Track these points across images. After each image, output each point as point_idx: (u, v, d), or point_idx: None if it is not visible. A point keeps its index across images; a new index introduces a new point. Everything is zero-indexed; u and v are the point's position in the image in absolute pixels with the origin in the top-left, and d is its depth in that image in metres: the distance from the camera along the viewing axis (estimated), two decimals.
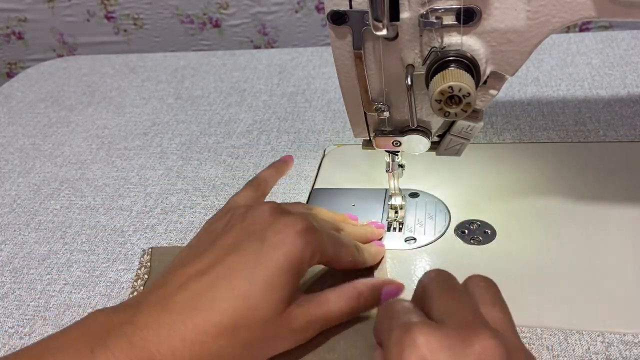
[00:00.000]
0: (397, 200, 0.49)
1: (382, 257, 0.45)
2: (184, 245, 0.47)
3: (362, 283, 0.37)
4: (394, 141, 0.42)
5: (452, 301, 0.30)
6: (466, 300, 0.30)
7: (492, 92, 0.37)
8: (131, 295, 0.45)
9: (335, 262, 0.39)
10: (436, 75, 0.33)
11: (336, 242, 0.38)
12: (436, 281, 0.32)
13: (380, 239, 0.46)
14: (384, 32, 0.32)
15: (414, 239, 0.47)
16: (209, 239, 0.37)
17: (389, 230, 0.48)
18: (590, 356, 0.37)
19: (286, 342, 0.35)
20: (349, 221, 0.46)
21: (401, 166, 0.47)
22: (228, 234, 0.36)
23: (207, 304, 0.32)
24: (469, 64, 0.34)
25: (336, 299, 0.36)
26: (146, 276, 0.46)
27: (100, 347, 0.30)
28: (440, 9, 0.33)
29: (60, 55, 1.17)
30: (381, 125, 0.41)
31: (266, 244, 0.34)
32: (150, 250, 0.49)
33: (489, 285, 0.32)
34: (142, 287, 0.45)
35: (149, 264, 0.48)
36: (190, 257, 0.35)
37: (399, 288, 0.38)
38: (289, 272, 0.33)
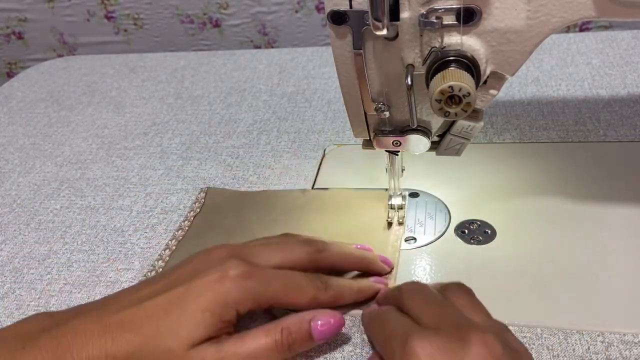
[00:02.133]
0: (397, 200, 0.49)
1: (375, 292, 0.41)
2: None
3: (291, 318, 0.36)
4: (394, 141, 0.42)
5: (439, 309, 0.32)
6: (450, 307, 0.32)
7: (492, 92, 0.37)
8: (173, 242, 0.50)
9: (288, 304, 0.38)
10: (436, 75, 0.33)
11: (286, 294, 0.37)
12: (416, 293, 0.34)
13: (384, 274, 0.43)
14: (384, 32, 0.32)
15: (414, 238, 0.47)
16: (165, 272, 0.39)
17: (389, 230, 0.48)
18: (590, 356, 0.37)
19: None
20: (353, 256, 0.42)
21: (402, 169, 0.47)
22: (174, 272, 0.38)
23: (128, 326, 0.34)
24: (469, 64, 0.34)
25: (255, 335, 0.35)
26: (198, 210, 0.53)
27: (31, 344, 0.33)
28: (440, 9, 0.33)
29: (60, 55, 1.17)
30: (381, 125, 0.41)
31: (193, 283, 0.35)
32: (206, 189, 0.56)
33: (466, 291, 0.35)
34: (187, 227, 0.51)
35: (203, 200, 0.55)
36: (143, 284, 0.38)
37: (336, 323, 0.36)
38: (208, 311, 0.34)
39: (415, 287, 0.36)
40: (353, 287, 0.40)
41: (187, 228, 0.51)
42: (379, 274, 0.42)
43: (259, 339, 0.35)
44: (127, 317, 0.35)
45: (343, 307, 0.40)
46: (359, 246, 0.43)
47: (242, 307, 0.36)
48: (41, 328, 0.35)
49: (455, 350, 0.28)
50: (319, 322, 0.36)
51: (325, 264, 0.40)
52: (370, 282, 0.41)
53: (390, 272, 0.43)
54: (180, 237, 0.50)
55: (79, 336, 0.34)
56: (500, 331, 0.31)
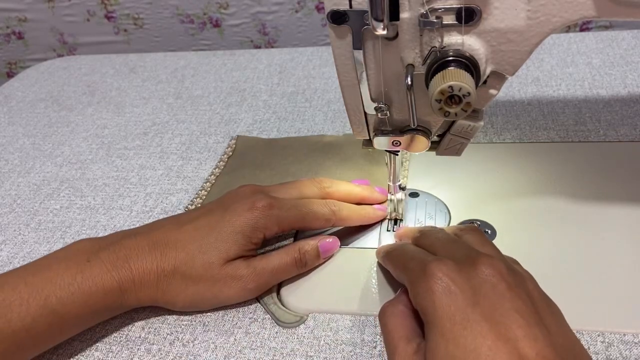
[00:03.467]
0: (397, 194, 0.48)
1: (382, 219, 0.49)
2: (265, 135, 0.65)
3: (303, 241, 0.45)
4: (394, 141, 0.42)
5: (452, 245, 0.37)
6: (463, 243, 0.38)
7: (492, 91, 0.37)
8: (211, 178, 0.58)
9: (306, 227, 0.47)
10: (436, 75, 0.33)
11: (304, 217, 0.45)
12: (432, 232, 0.41)
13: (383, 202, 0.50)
14: (384, 31, 0.32)
15: None
16: (200, 206, 0.49)
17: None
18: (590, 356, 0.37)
19: (230, 289, 0.42)
20: (350, 192, 0.49)
21: (402, 188, 0.48)
22: (208, 205, 0.45)
23: (173, 245, 0.42)
24: (469, 64, 0.34)
25: (279, 254, 0.43)
26: (231, 153, 0.62)
27: (94, 257, 0.40)
28: (440, 9, 0.33)
29: (60, 55, 1.17)
30: (381, 125, 0.41)
31: (228, 212, 0.43)
32: (236, 137, 0.64)
33: (477, 231, 0.40)
34: (223, 165, 0.60)
35: (234, 145, 0.63)
36: (182, 215, 0.46)
37: (335, 242, 0.46)
38: (240, 233, 0.42)
39: (431, 228, 0.43)
40: (359, 212, 0.48)
41: (222, 166, 0.60)
42: (378, 202, 0.50)
43: (282, 257, 0.43)
44: (172, 237, 0.42)
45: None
46: (357, 181, 0.51)
47: (269, 232, 0.43)
48: (97, 247, 0.41)
49: (467, 270, 0.33)
50: (324, 241, 0.45)
51: (332, 198, 0.48)
52: (373, 208, 0.49)
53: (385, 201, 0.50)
54: (218, 173, 0.59)
55: (133, 251, 0.41)
56: (506, 259, 0.36)
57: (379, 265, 0.45)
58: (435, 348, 0.31)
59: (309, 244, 0.45)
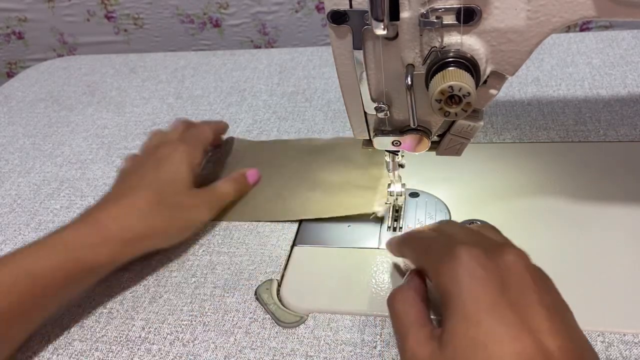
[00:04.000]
0: (397, 200, 0.49)
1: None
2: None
3: (235, 173, 0.55)
4: (394, 141, 0.42)
5: (474, 235, 0.37)
6: (484, 235, 0.38)
7: (492, 91, 0.37)
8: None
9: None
10: (436, 75, 0.33)
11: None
12: (453, 224, 0.40)
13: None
14: (384, 31, 0.32)
15: None
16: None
17: (389, 230, 0.48)
18: None
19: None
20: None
21: (401, 166, 0.47)
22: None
23: (143, 185, 0.48)
24: (469, 64, 0.34)
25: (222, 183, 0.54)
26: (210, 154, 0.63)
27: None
28: (440, 9, 0.33)
29: (60, 55, 1.17)
30: (381, 125, 0.41)
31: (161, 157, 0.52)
32: (224, 140, 0.65)
33: (494, 228, 0.41)
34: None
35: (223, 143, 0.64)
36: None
37: (256, 172, 0.56)
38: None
39: (449, 221, 0.42)
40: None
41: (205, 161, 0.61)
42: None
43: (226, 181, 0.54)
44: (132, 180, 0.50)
45: None
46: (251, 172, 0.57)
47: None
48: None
49: (494, 258, 0.32)
50: (251, 173, 0.56)
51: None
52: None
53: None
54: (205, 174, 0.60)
55: (107, 209, 0.46)
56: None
57: (379, 265, 0.45)
58: (454, 330, 0.30)
59: (238, 175, 0.55)
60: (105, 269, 0.44)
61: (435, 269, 0.34)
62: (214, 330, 0.42)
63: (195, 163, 0.52)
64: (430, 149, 0.42)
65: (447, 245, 0.34)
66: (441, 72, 0.33)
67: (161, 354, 0.41)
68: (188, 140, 0.54)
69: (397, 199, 0.49)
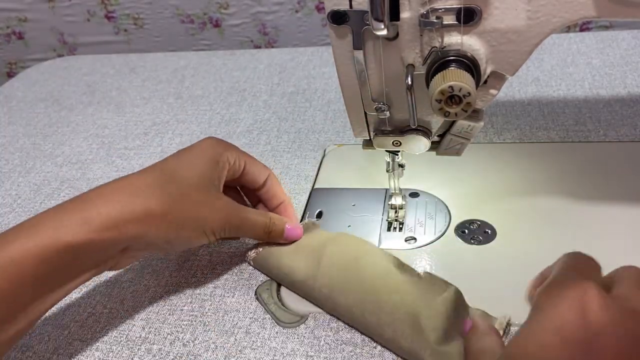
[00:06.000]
0: (397, 200, 0.49)
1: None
2: None
3: (275, 215, 0.47)
4: (394, 141, 0.42)
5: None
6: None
7: (492, 91, 0.37)
8: None
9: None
10: (436, 75, 0.33)
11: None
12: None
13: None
14: (384, 32, 0.32)
15: (414, 238, 0.47)
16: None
17: (389, 230, 0.48)
18: None
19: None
20: None
21: (401, 166, 0.47)
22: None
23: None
24: (469, 64, 0.34)
25: (255, 211, 0.46)
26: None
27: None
28: (440, 9, 0.33)
29: (60, 55, 1.17)
30: (381, 125, 0.41)
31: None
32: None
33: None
34: None
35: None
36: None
37: (299, 232, 0.47)
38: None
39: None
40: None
41: None
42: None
43: (256, 214, 0.45)
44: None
45: None
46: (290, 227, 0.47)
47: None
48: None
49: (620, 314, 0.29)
50: (293, 226, 0.46)
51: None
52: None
53: None
54: None
55: (101, 200, 0.39)
56: None
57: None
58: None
59: (279, 219, 0.46)
60: (87, 252, 0.38)
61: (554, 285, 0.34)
62: (214, 330, 0.42)
63: (223, 161, 0.45)
64: (430, 149, 0.42)
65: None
66: (441, 72, 0.33)
67: (161, 354, 0.41)
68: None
69: (397, 212, 0.49)
